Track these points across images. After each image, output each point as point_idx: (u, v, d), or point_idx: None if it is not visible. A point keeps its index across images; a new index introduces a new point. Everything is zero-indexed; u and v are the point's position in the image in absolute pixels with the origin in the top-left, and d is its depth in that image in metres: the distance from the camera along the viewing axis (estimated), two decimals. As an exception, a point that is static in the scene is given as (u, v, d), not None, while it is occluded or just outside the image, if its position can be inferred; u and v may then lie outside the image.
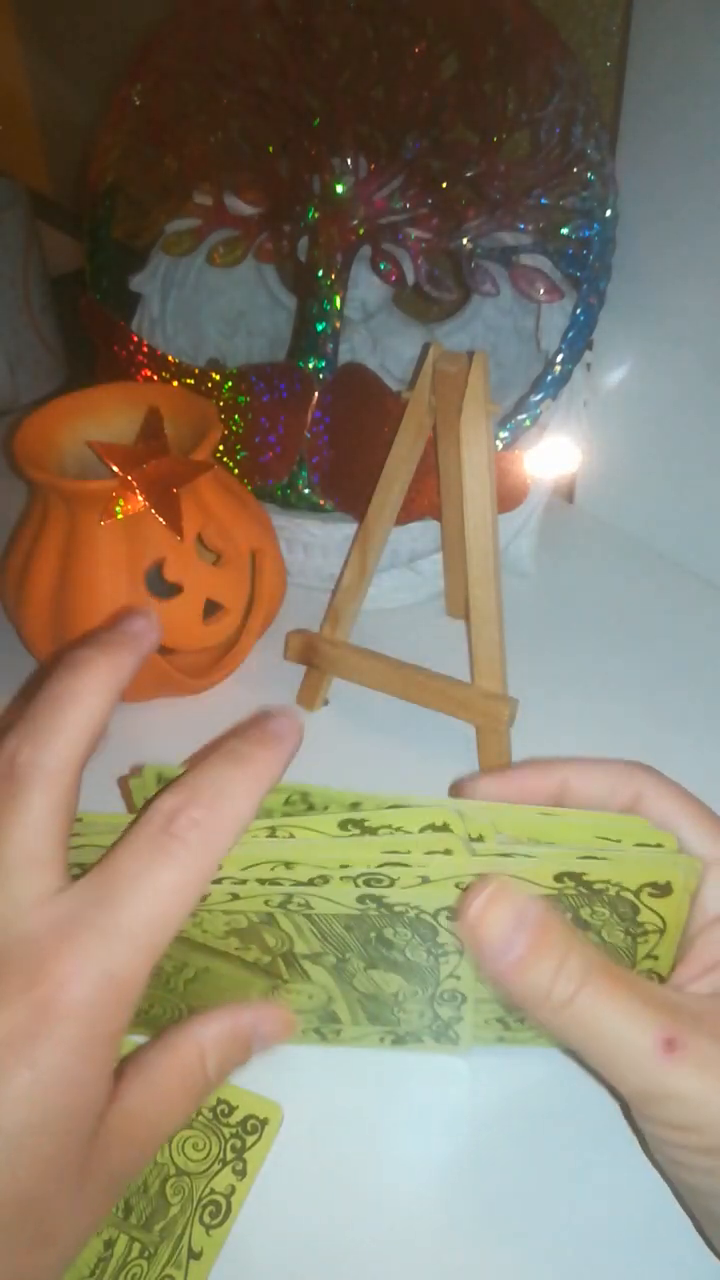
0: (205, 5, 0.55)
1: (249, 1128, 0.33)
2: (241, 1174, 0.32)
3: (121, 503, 0.43)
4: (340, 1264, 0.31)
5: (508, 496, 0.49)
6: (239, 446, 0.54)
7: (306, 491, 0.54)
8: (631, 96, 0.48)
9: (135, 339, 0.56)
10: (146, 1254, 0.30)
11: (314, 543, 0.54)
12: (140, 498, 0.43)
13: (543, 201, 0.51)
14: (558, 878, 0.25)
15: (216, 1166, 0.32)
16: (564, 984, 0.24)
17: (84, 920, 0.23)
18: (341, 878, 0.26)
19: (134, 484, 0.43)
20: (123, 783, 0.37)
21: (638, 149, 0.49)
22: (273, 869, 0.26)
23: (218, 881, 0.26)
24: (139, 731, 0.49)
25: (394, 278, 0.54)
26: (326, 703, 0.50)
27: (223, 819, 0.24)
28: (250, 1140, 0.32)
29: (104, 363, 0.57)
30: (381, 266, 0.54)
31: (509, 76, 0.50)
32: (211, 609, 0.47)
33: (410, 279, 0.54)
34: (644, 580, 0.57)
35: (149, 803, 0.24)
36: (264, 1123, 0.33)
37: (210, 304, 0.65)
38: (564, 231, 0.51)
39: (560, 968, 0.24)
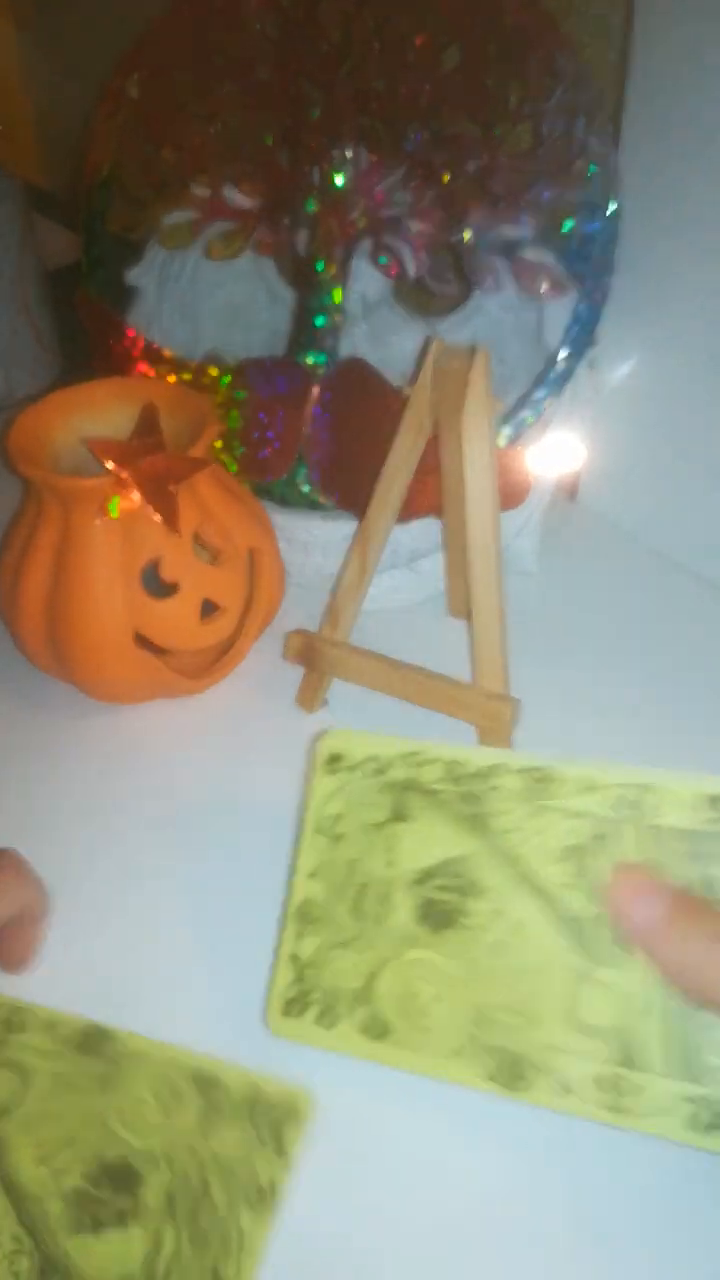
0: (203, -5, 0.54)
1: (285, 1114, 0.32)
2: (283, 1157, 0.31)
3: (117, 500, 0.42)
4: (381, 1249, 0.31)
5: (510, 494, 0.49)
6: (237, 443, 0.53)
7: (306, 489, 0.53)
8: (634, 90, 0.48)
9: (131, 333, 0.55)
10: (195, 1244, 0.30)
11: (313, 541, 0.54)
12: (136, 495, 0.43)
13: (545, 195, 0.50)
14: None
15: (257, 1152, 0.31)
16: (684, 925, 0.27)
17: None
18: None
19: (130, 481, 0.43)
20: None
21: (641, 143, 0.49)
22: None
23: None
24: (136, 733, 0.49)
25: (394, 271, 0.54)
26: (326, 703, 0.49)
27: None
28: (288, 1126, 0.32)
29: (100, 357, 0.57)
30: (381, 260, 0.54)
31: (511, 69, 0.50)
32: (209, 609, 0.46)
33: (411, 273, 0.54)
34: (647, 579, 0.56)
35: None
36: (299, 1108, 0.32)
37: (208, 298, 0.64)
38: (567, 226, 0.51)
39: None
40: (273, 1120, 0.32)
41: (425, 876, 0.32)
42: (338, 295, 0.52)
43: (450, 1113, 0.33)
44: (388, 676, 0.45)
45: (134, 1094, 0.33)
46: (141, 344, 0.55)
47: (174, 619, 0.45)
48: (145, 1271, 0.30)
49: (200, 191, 0.56)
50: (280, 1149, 0.32)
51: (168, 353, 0.54)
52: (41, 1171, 0.30)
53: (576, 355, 0.51)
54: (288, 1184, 0.31)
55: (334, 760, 0.34)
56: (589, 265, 0.51)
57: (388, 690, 0.45)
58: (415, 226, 0.52)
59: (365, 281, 0.58)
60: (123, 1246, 0.30)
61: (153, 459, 0.43)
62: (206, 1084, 0.33)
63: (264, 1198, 0.31)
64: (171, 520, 0.44)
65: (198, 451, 0.44)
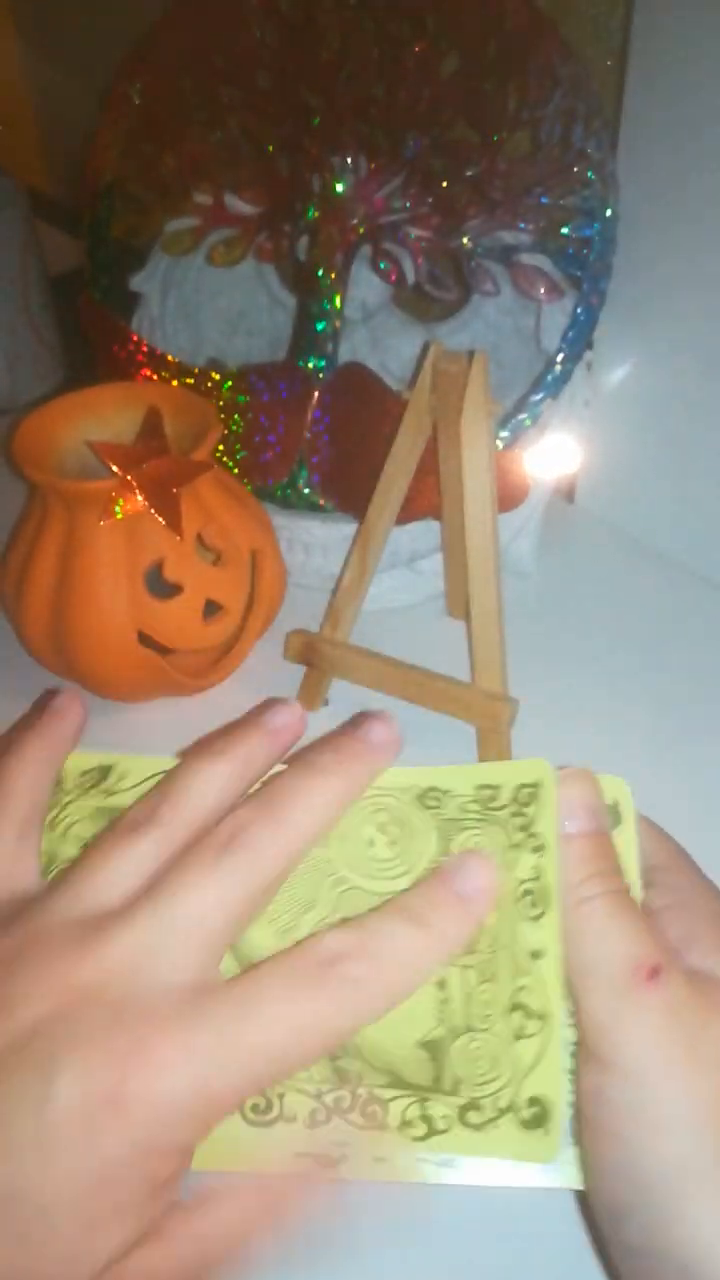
0: (205, 3, 0.55)
1: (524, 798, 0.28)
2: (541, 850, 0.27)
3: (121, 502, 0.43)
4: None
5: (508, 496, 0.49)
6: (239, 446, 0.53)
7: (306, 491, 0.54)
8: (632, 95, 0.48)
9: (135, 338, 0.56)
10: (486, 977, 0.26)
11: (314, 543, 0.54)
12: (140, 497, 0.43)
13: (543, 200, 0.51)
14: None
15: (513, 854, 0.27)
16: (595, 883, 0.25)
17: (211, 1016, 0.22)
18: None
19: (133, 484, 0.43)
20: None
21: (639, 147, 0.49)
22: None
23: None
24: (138, 732, 0.49)
25: (394, 277, 0.54)
26: (326, 703, 0.50)
27: (387, 981, 0.23)
28: (531, 811, 0.28)
29: (103, 362, 0.57)
30: (381, 266, 0.54)
31: (509, 75, 0.50)
32: (211, 609, 0.47)
33: (410, 278, 0.54)
34: (645, 580, 0.56)
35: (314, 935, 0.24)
36: (538, 785, 0.28)
37: (210, 303, 0.65)
38: (565, 230, 0.51)
39: (602, 870, 0.26)
40: (516, 810, 0.28)
41: None
42: (338, 301, 0.53)
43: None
44: (388, 676, 0.45)
45: (357, 836, 0.28)
46: (145, 349, 0.55)
47: (177, 619, 0.46)
48: (445, 1025, 0.26)
49: (202, 198, 0.57)
50: (535, 838, 0.27)
51: (171, 357, 0.55)
52: (287, 943, 0.25)
53: (574, 358, 0.51)
54: (556, 872, 0.27)
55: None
56: (586, 269, 0.51)
57: (387, 690, 0.46)
58: (414, 232, 0.53)
59: (365, 287, 0.59)
60: (407, 1006, 0.25)
61: (156, 462, 0.44)
62: (430, 799, 0.29)
63: (538, 898, 0.26)
64: (174, 522, 0.44)
65: (200, 455, 0.45)
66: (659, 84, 0.47)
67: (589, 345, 0.52)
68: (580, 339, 0.51)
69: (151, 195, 0.58)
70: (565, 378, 0.51)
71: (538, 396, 0.51)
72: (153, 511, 0.43)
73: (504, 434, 0.51)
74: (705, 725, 0.48)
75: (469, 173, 0.51)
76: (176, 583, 0.45)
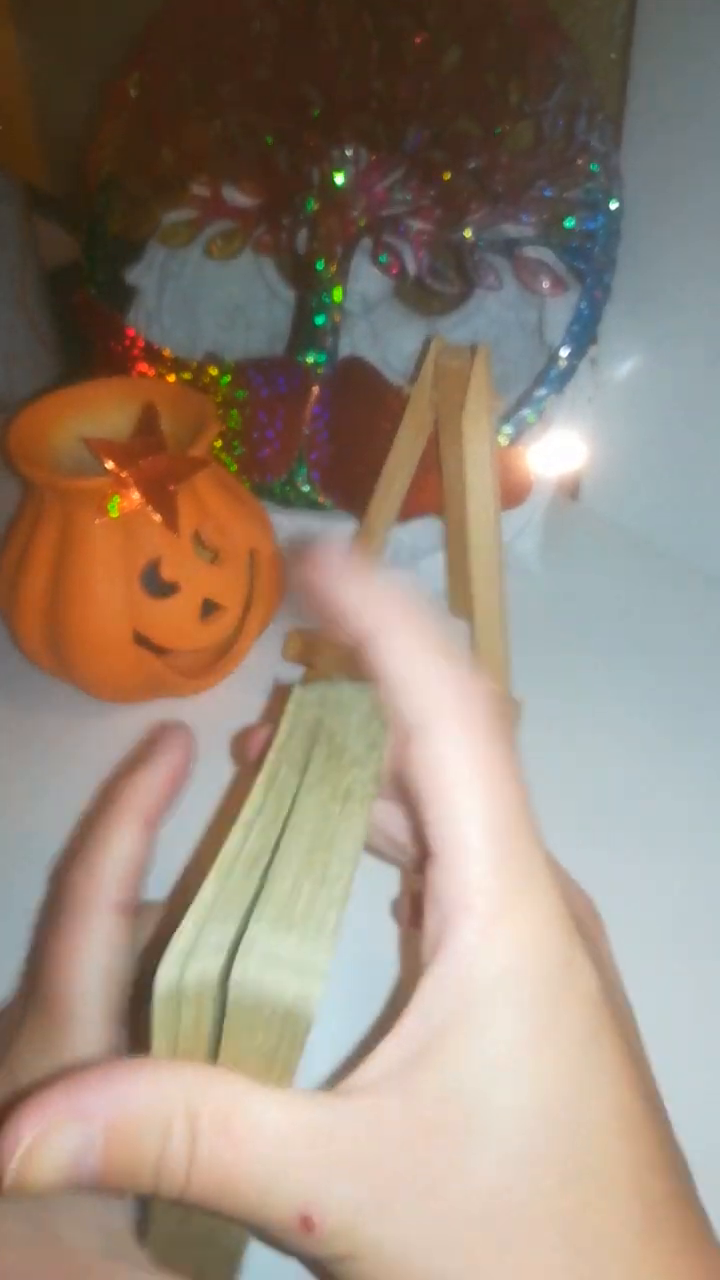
0: (203, -6, 0.54)
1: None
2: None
3: (117, 500, 0.42)
4: None
5: (511, 493, 0.49)
6: (237, 442, 0.53)
7: (306, 488, 0.53)
8: (636, 88, 0.48)
9: (131, 333, 0.55)
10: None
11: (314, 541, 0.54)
12: (136, 495, 0.42)
13: (546, 193, 0.50)
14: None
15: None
16: (168, 1181, 0.19)
17: None
18: None
19: (130, 481, 0.42)
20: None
21: (642, 140, 0.49)
22: None
23: None
24: (136, 732, 0.49)
25: (395, 270, 0.54)
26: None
27: None
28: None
29: (100, 357, 0.57)
30: (382, 259, 0.54)
31: (511, 67, 0.50)
32: (209, 608, 0.46)
33: (411, 272, 0.53)
34: (650, 578, 0.56)
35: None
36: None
37: (208, 297, 0.64)
38: (568, 224, 0.51)
39: (159, 1168, 0.19)
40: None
41: None
42: (338, 294, 0.52)
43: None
44: (389, 676, 0.45)
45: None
46: (141, 344, 0.55)
47: (174, 619, 0.45)
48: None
49: (200, 191, 0.56)
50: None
51: (167, 352, 0.54)
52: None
53: (578, 353, 0.51)
54: None
55: None
56: (590, 263, 0.50)
57: (389, 690, 0.45)
58: (416, 225, 0.52)
59: (365, 280, 0.58)
60: None
61: (153, 459, 0.43)
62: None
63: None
64: (171, 520, 0.43)
65: (198, 451, 0.44)
66: (662, 76, 0.47)
67: (593, 340, 0.52)
68: (584, 333, 0.51)
69: (149, 190, 0.57)
70: (569, 373, 0.51)
71: (541, 392, 0.51)
72: (149, 509, 0.43)
73: (507, 430, 0.50)
74: (711, 725, 0.47)
75: (471, 165, 0.51)
76: (173, 582, 0.45)
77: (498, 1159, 0.19)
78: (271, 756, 0.23)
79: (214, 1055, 0.20)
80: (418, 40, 0.50)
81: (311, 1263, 0.21)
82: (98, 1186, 0.19)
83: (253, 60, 0.53)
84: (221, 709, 0.49)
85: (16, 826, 0.44)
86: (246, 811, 0.22)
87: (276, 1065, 0.19)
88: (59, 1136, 0.19)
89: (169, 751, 0.28)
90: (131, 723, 0.49)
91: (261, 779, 0.22)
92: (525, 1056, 0.19)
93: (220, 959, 0.19)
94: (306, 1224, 0.18)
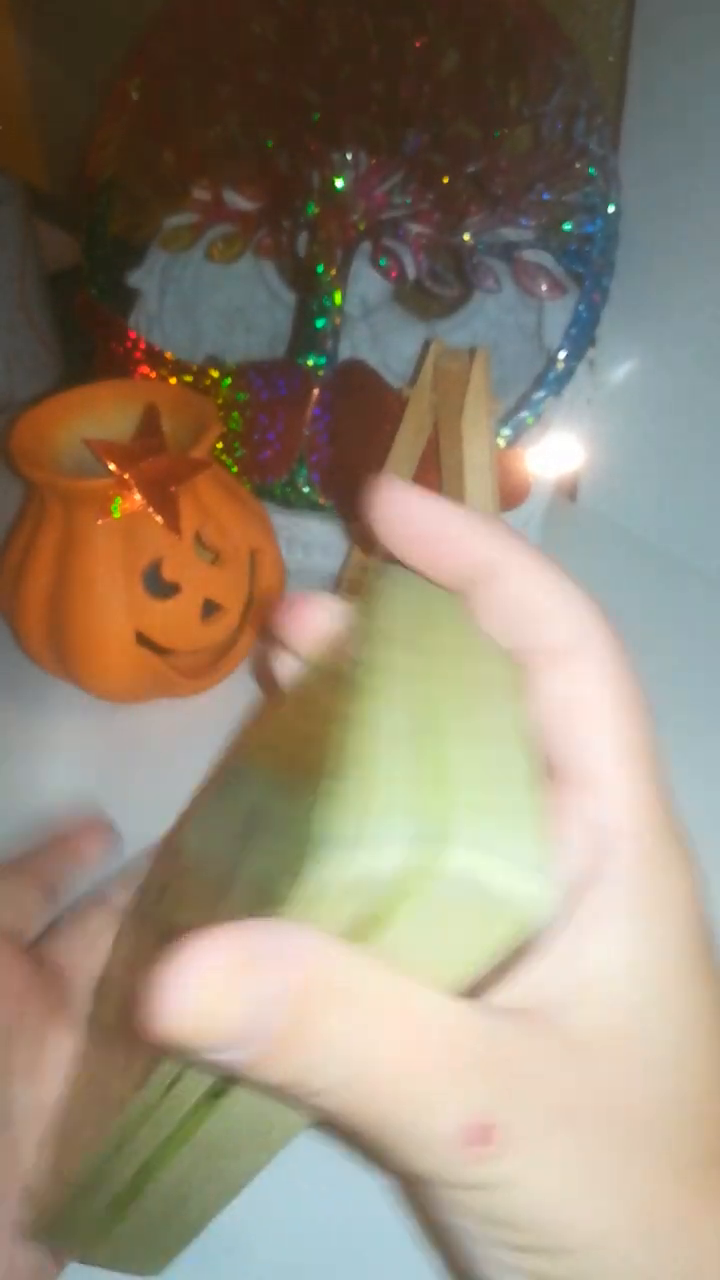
0: (204, -2, 0.54)
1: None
2: None
3: (119, 501, 0.42)
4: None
5: (510, 495, 0.49)
6: (238, 444, 0.53)
7: (306, 490, 0.53)
8: (634, 91, 0.48)
9: (133, 335, 0.55)
10: None
11: (314, 542, 0.54)
12: (138, 496, 0.43)
13: (545, 197, 0.51)
14: None
15: None
16: (325, 1071, 0.16)
17: None
18: None
19: (131, 482, 0.43)
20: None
21: (641, 143, 0.49)
22: None
23: None
24: (136, 733, 0.49)
25: (394, 273, 0.54)
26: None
27: None
28: None
29: (101, 360, 0.57)
30: (381, 262, 0.54)
31: (511, 71, 0.50)
32: (210, 609, 0.46)
33: (411, 275, 0.54)
34: (649, 580, 0.56)
35: None
36: None
37: (209, 300, 0.64)
38: (567, 227, 0.51)
39: (323, 1051, 0.16)
40: None
41: None
42: (338, 297, 0.53)
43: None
44: (388, 677, 0.45)
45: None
46: (143, 346, 0.55)
47: (175, 619, 0.45)
48: None
49: (201, 194, 0.57)
50: None
51: (169, 355, 0.54)
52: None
53: (576, 356, 0.51)
54: None
55: None
56: (589, 266, 0.51)
57: (388, 690, 0.45)
58: (415, 229, 0.52)
59: (365, 283, 0.58)
60: None
61: (154, 460, 0.43)
62: None
63: None
64: (173, 521, 0.44)
65: (199, 453, 0.44)
66: (661, 79, 0.47)
67: (592, 342, 0.52)
68: (583, 336, 0.51)
69: (150, 192, 0.57)
70: (568, 375, 0.51)
71: (540, 394, 0.51)
72: (151, 510, 0.43)
73: (506, 432, 0.50)
74: (710, 725, 0.47)
75: (470, 169, 0.51)
76: (175, 582, 0.45)
77: (662, 1095, 0.18)
78: (385, 646, 0.19)
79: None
80: (417, 43, 0.51)
81: (414, 1197, 0.20)
82: (251, 1058, 0.16)
83: (253, 63, 0.53)
84: (221, 709, 0.50)
85: (16, 826, 0.44)
86: (375, 680, 0.18)
87: (460, 962, 0.17)
88: (254, 975, 0.15)
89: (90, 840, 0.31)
90: (133, 723, 0.49)
91: (373, 651, 0.19)
92: (679, 996, 0.19)
93: (418, 848, 0.15)
94: (480, 1134, 0.16)
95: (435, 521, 0.21)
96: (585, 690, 0.20)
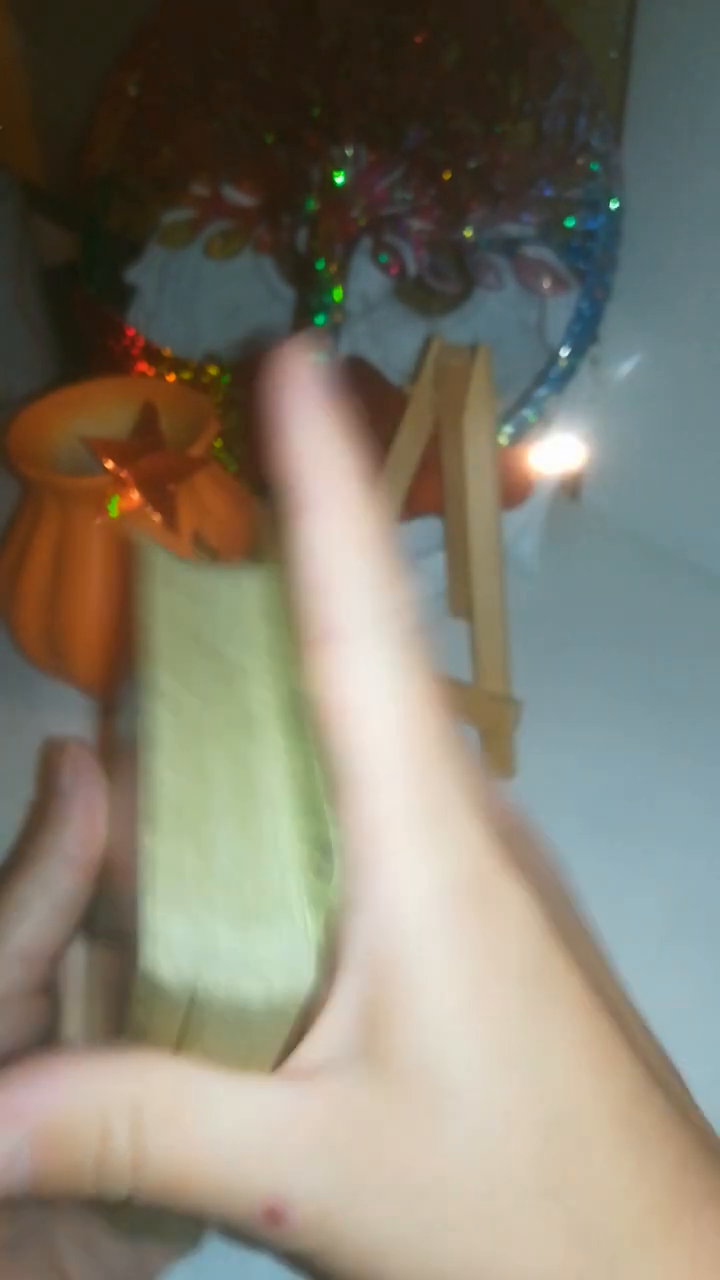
0: (202, -9, 0.54)
1: None
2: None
3: (116, 499, 0.42)
4: None
5: (512, 493, 0.49)
6: (237, 442, 0.53)
7: (305, 488, 0.53)
8: (637, 86, 0.48)
9: (130, 332, 0.55)
10: None
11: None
12: (135, 494, 0.42)
13: (547, 193, 0.50)
14: None
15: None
16: (114, 1181, 0.17)
17: None
18: None
19: (129, 480, 0.42)
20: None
21: (643, 139, 0.49)
22: None
23: None
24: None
25: (395, 270, 0.53)
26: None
27: None
28: None
29: (99, 356, 0.57)
30: (382, 258, 0.53)
31: (512, 66, 0.49)
32: (208, 608, 0.46)
33: (412, 271, 0.53)
34: (651, 579, 0.56)
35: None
36: None
37: (207, 297, 0.64)
38: (569, 223, 0.50)
39: (101, 1169, 0.17)
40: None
41: None
42: (338, 294, 0.52)
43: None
44: (389, 677, 0.45)
45: None
46: (141, 343, 0.54)
47: (173, 619, 0.45)
48: None
49: (199, 190, 0.56)
50: None
51: (167, 352, 0.54)
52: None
53: (579, 353, 0.51)
54: None
55: None
56: (591, 262, 0.50)
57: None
58: (416, 224, 0.52)
59: (366, 280, 0.58)
60: None
61: (152, 458, 0.43)
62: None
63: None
64: (170, 520, 0.43)
65: (197, 451, 0.44)
66: (664, 75, 0.46)
67: (594, 339, 0.52)
68: (585, 333, 0.51)
69: (148, 188, 0.57)
70: (570, 372, 0.51)
71: (542, 391, 0.50)
72: (148, 509, 0.43)
73: (507, 429, 0.50)
74: (712, 725, 0.47)
75: (471, 164, 0.50)
76: (173, 581, 0.44)
77: (470, 1129, 0.17)
78: (157, 670, 0.19)
79: (183, 1044, 0.18)
80: (418, 38, 0.50)
81: (291, 1258, 0.19)
82: (34, 1193, 0.18)
83: (252, 58, 0.53)
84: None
85: (16, 827, 0.44)
86: (159, 751, 0.18)
87: (258, 1053, 0.18)
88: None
89: (83, 789, 0.25)
90: (130, 723, 0.49)
91: (158, 700, 0.19)
92: (471, 1006, 0.17)
93: (184, 961, 0.16)
94: (273, 1216, 0.17)
95: (289, 421, 0.18)
96: (341, 686, 0.17)
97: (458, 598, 0.53)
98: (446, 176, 0.51)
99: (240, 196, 0.56)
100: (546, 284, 0.51)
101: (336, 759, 0.17)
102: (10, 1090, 0.17)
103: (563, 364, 0.50)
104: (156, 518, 0.43)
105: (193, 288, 0.62)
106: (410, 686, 0.17)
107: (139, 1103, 0.17)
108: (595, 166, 0.49)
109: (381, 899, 0.17)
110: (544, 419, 0.51)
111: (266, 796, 0.18)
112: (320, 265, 0.52)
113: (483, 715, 0.43)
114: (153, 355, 0.54)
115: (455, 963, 0.17)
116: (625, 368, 0.54)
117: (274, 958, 0.16)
